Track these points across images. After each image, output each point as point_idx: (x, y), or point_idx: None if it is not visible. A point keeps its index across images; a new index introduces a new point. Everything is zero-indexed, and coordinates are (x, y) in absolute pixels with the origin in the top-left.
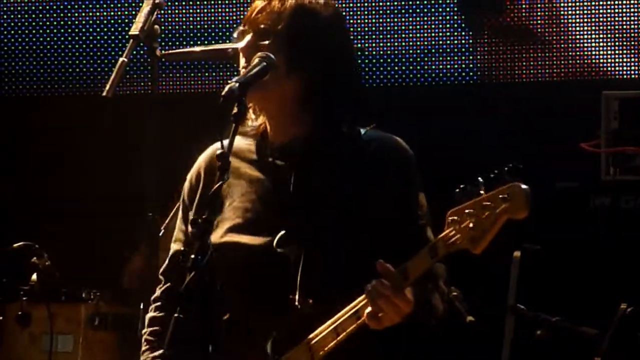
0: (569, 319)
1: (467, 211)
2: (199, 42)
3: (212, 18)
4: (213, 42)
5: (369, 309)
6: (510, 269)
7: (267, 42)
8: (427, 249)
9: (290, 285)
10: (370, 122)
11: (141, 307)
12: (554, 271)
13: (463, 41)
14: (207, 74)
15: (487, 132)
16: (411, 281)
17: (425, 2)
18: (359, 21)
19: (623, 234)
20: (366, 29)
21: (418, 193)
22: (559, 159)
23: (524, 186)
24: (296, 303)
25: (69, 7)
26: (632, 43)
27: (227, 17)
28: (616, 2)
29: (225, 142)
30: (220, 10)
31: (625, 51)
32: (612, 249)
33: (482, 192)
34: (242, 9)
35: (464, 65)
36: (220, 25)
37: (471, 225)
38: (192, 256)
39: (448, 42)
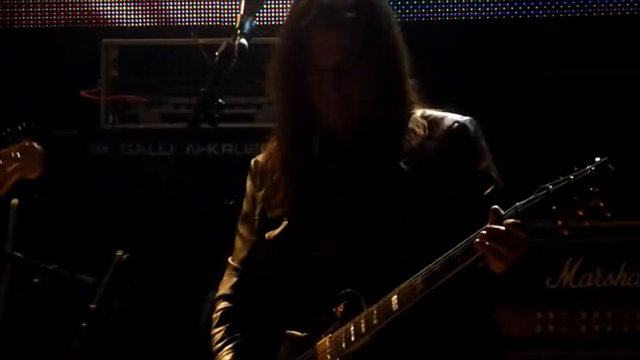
0: (68, 266)
1: None
2: None
3: None
4: None
5: None
6: (8, 216)
7: None
8: None
9: None
10: None
11: None
12: (52, 219)
13: None
14: None
15: None
16: None
17: None
18: None
19: (122, 182)
20: None
21: None
22: (59, 106)
23: (37, 146)
24: None
25: None
26: None
27: None
28: None
29: None
30: None
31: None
32: (111, 197)
33: None
34: None
35: None
36: None
37: None
38: None
39: None
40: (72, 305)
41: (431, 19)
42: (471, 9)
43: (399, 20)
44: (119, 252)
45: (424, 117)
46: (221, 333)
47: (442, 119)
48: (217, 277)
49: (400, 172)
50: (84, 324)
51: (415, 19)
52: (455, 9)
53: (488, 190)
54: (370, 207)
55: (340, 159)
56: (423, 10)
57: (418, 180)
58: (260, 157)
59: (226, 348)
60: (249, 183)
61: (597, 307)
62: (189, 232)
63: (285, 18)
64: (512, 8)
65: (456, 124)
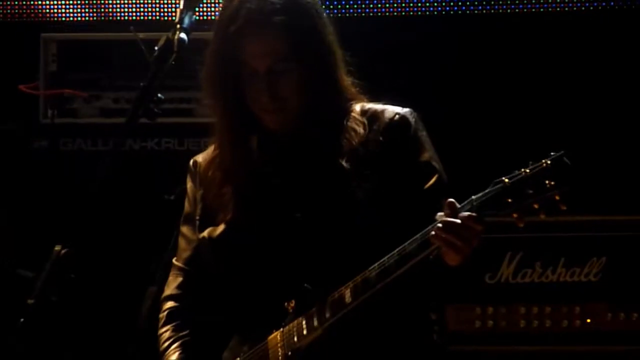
0: (7, 261)
1: None
2: None
3: None
4: None
5: None
6: None
7: None
8: None
9: None
10: None
11: None
12: None
13: None
14: None
15: None
16: None
17: None
18: None
19: (61, 176)
20: None
21: None
22: None
23: None
24: None
25: None
26: None
27: None
28: None
29: None
30: None
31: None
32: (50, 191)
33: None
34: None
35: None
36: None
37: None
38: None
39: None
40: (11, 300)
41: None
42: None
43: (333, 17)
44: (58, 247)
45: (363, 111)
46: (168, 332)
47: (382, 111)
48: (158, 271)
49: (341, 170)
50: (21, 319)
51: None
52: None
53: (431, 182)
54: (315, 206)
55: (280, 158)
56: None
57: (360, 177)
58: (199, 157)
59: (173, 347)
60: (189, 184)
61: (536, 303)
62: (128, 227)
63: (214, 23)
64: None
65: (397, 116)
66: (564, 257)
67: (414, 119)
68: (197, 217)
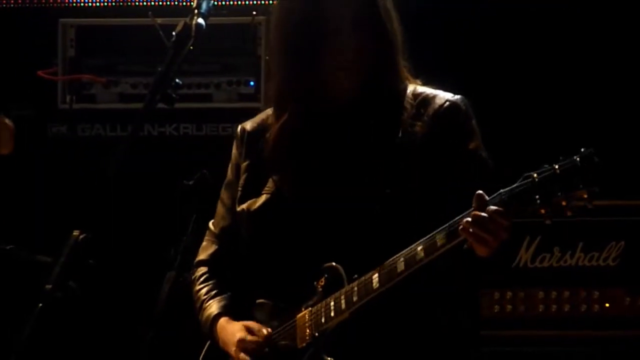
0: (25, 247)
1: None
2: None
3: None
4: None
5: None
6: None
7: None
8: None
9: None
10: None
11: None
12: (8, 199)
13: None
14: None
15: None
16: None
17: None
18: None
19: (80, 162)
20: None
21: None
22: (16, 86)
23: (9, 122)
24: None
25: None
26: None
27: None
28: None
29: None
30: None
31: None
32: (69, 177)
33: None
34: None
35: None
36: None
37: None
38: None
39: None
40: (30, 286)
41: None
42: None
43: None
44: (76, 232)
45: (415, 94)
46: (205, 288)
47: (433, 97)
48: (177, 257)
49: (389, 149)
50: (39, 305)
51: None
52: None
53: (475, 171)
54: (361, 183)
55: (333, 129)
56: None
57: (406, 159)
58: (247, 125)
59: (213, 300)
60: (234, 151)
61: (555, 287)
62: (147, 212)
63: None
64: None
65: (447, 103)
66: (583, 242)
67: (464, 107)
68: (240, 188)
